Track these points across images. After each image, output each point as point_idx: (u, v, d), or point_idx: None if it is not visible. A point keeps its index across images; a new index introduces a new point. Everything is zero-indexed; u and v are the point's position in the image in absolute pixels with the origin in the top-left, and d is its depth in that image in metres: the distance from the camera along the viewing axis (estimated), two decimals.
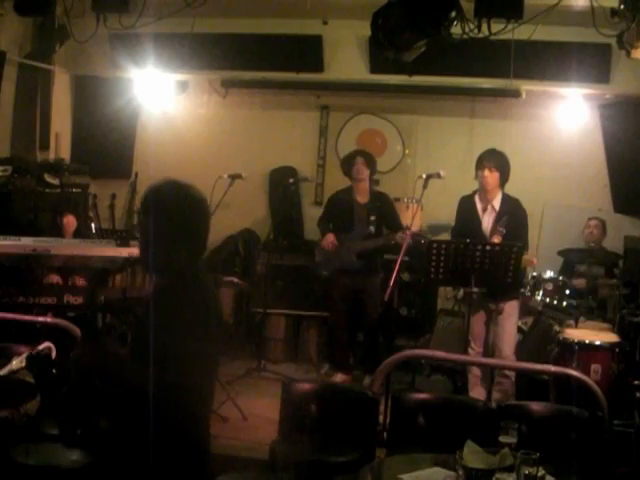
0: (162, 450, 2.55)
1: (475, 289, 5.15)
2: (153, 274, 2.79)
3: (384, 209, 6.41)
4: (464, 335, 5.37)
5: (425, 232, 6.94)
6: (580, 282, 5.95)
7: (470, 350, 5.35)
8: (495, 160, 5.42)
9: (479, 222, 5.48)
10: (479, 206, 5.52)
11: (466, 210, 5.59)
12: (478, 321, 5.43)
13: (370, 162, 6.46)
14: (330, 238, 6.38)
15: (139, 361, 2.54)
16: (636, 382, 4.65)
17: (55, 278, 5.68)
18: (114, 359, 2.70)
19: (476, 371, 5.49)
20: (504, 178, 5.46)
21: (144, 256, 2.73)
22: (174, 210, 2.61)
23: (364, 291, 6.36)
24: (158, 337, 2.49)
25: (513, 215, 5.39)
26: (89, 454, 3.39)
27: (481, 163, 5.44)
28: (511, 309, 5.43)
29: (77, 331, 4.28)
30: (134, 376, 2.56)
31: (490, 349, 5.51)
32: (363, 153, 6.56)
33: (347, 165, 6.53)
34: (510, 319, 5.43)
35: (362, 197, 6.47)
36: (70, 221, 6.42)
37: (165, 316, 2.52)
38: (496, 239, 5.29)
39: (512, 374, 5.38)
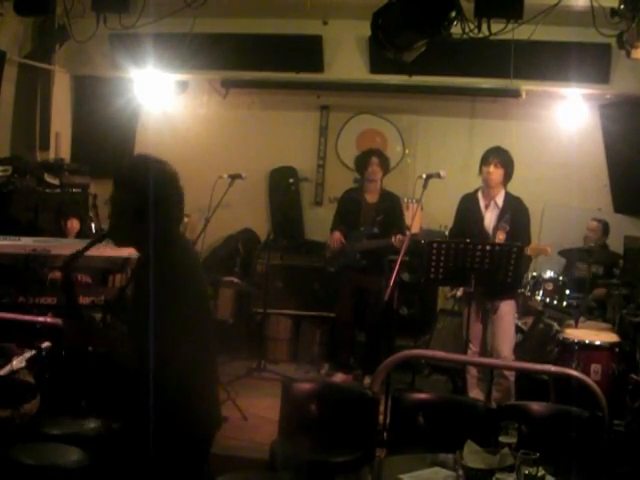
0: (160, 433, 2.57)
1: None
2: (123, 245, 2.88)
3: (391, 210, 6.42)
4: (464, 335, 5.37)
5: (422, 236, 6.91)
6: (582, 270, 5.95)
7: (468, 350, 5.35)
8: (501, 157, 5.45)
9: (481, 218, 5.49)
10: (482, 202, 5.53)
11: (468, 207, 5.59)
12: (474, 320, 5.42)
13: (385, 163, 6.50)
14: (336, 236, 6.43)
15: (134, 334, 2.60)
16: (632, 376, 4.65)
17: (59, 274, 5.67)
18: (103, 335, 2.76)
19: (473, 371, 5.49)
20: (508, 175, 5.48)
21: (114, 229, 2.81)
22: (139, 182, 2.68)
23: (367, 290, 6.39)
24: (147, 308, 2.54)
25: (516, 212, 5.41)
26: (89, 454, 3.40)
27: (487, 159, 5.46)
28: (507, 308, 5.41)
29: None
30: (126, 350, 2.62)
31: (489, 350, 5.49)
32: (378, 153, 6.56)
33: (361, 164, 6.54)
34: (506, 318, 5.41)
35: (372, 197, 6.49)
36: (74, 225, 6.44)
37: (150, 286, 2.57)
38: (500, 235, 5.29)
39: (511, 375, 5.36)
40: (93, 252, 2.95)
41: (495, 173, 5.42)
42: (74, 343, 2.78)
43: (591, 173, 7.12)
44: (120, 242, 2.86)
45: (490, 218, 5.48)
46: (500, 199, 5.47)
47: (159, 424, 2.55)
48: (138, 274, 2.79)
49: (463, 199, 5.67)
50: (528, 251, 5.21)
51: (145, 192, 2.66)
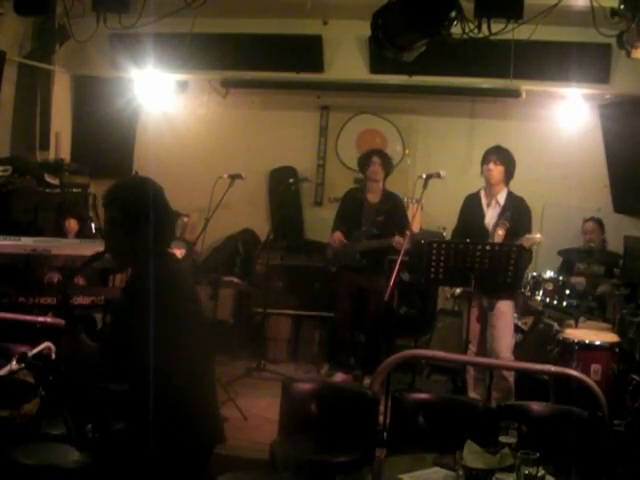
0: (155, 445, 2.58)
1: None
2: (123, 266, 2.94)
3: (393, 210, 6.42)
4: (464, 335, 5.37)
5: (421, 237, 6.91)
6: (579, 281, 5.95)
7: (468, 350, 5.35)
8: (500, 154, 5.48)
9: (482, 216, 5.51)
10: (484, 201, 5.55)
11: (470, 206, 5.62)
12: (472, 319, 5.41)
13: (386, 163, 6.50)
14: (337, 235, 6.43)
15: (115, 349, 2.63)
16: (634, 377, 4.65)
17: (56, 276, 5.68)
18: (92, 351, 2.77)
19: (472, 371, 5.49)
20: (509, 173, 5.49)
21: (109, 247, 2.86)
22: (126, 202, 2.76)
23: (368, 290, 6.38)
24: (133, 326, 2.58)
25: (517, 210, 5.42)
26: (89, 454, 3.39)
27: (486, 157, 5.50)
28: (505, 308, 5.40)
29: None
30: (108, 366, 2.65)
31: (488, 352, 5.48)
32: (380, 153, 6.55)
33: (363, 164, 6.54)
34: (504, 319, 5.40)
35: (374, 197, 6.49)
36: (72, 225, 6.44)
37: (138, 304, 2.61)
38: (500, 231, 5.30)
39: (510, 376, 5.35)
40: (93, 252, 2.95)
41: (495, 170, 5.44)
42: (69, 359, 2.81)
43: (591, 173, 7.12)
44: (117, 260, 2.89)
45: (491, 216, 5.49)
46: (502, 198, 5.49)
47: (153, 438, 2.55)
48: (129, 288, 2.83)
49: (466, 199, 5.70)
50: (522, 242, 5.22)
51: (132, 210, 2.74)
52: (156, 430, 2.55)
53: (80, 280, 5.82)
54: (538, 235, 5.35)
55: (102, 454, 2.79)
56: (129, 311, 2.64)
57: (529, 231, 5.43)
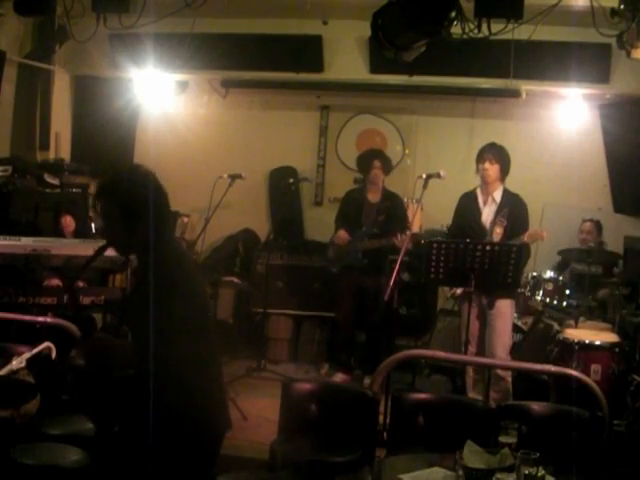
0: (167, 438, 2.57)
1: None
2: (125, 255, 2.91)
3: (394, 210, 6.44)
4: (463, 335, 5.36)
5: (425, 235, 6.92)
6: (578, 267, 5.95)
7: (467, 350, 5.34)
8: (495, 152, 5.47)
9: (479, 214, 5.51)
10: (480, 199, 5.55)
11: (466, 204, 5.62)
12: (472, 318, 5.41)
13: (387, 165, 6.53)
14: (342, 233, 6.44)
15: (137, 343, 2.62)
16: (635, 377, 4.65)
17: (55, 281, 5.69)
18: (115, 346, 2.74)
19: (471, 372, 5.49)
20: (504, 171, 5.49)
21: (111, 240, 2.82)
22: (124, 198, 2.71)
23: (368, 289, 6.39)
24: (145, 315, 2.55)
25: (514, 207, 5.42)
26: (90, 454, 3.40)
27: (481, 156, 5.49)
28: (504, 307, 5.38)
29: (76, 330, 4.28)
30: (135, 359, 2.61)
31: (486, 352, 5.48)
32: (381, 156, 6.56)
33: (364, 166, 6.56)
34: (502, 318, 5.38)
35: (374, 196, 6.52)
36: (68, 222, 6.43)
37: (148, 292, 2.58)
38: (498, 229, 5.32)
39: (508, 377, 5.35)
40: (91, 252, 2.94)
41: (491, 169, 5.44)
42: (95, 363, 2.80)
43: (591, 173, 7.12)
44: (121, 251, 2.87)
45: (488, 213, 5.50)
46: (498, 195, 5.49)
47: (165, 428, 2.54)
48: (136, 278, 2.82)
49: (462, 197, 5.70)
50: (525, 238, 5.22)
51: (128, 199, 2.70)
52: (162, 419, 2.53)
53: (79, 281, 5.82)
54: (544, 232, 5.35)
55: (111, 449, 2.78)
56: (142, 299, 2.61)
57: (526, 227, 5.44)
